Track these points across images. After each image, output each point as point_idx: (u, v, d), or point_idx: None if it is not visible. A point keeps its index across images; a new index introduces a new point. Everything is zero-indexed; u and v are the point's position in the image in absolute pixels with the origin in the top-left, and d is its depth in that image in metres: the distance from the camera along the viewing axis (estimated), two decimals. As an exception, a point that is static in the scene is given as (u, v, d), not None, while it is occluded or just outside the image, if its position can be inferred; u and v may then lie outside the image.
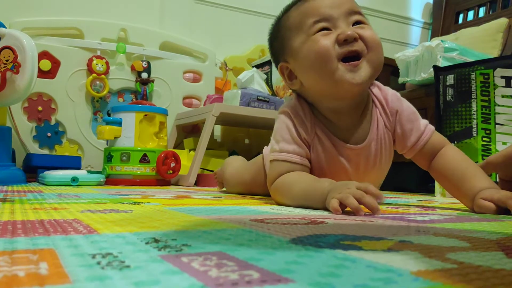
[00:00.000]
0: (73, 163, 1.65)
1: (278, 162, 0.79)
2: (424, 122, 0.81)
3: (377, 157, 0.81)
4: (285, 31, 0.80)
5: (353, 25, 0.74)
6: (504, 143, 1.22)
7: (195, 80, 2.17)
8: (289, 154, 0.78)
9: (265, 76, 2.07)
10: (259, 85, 1.92)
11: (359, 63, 0.72)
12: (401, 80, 1.75)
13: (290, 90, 2.05)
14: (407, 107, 0.81)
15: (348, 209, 0.62)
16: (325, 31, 0.74)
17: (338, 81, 0.72)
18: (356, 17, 0.75)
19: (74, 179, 1.34)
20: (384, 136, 0.81)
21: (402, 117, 0.80)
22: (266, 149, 1.03)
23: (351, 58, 0.72)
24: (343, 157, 0.79)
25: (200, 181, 1.71)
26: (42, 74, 1.80)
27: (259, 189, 1.05)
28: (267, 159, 0.93)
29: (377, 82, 0.84)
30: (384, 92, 0.82)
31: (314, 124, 0.80)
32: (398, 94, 0.83)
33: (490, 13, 2.27)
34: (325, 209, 0.67)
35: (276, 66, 0.86)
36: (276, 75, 2.13)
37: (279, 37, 0.82)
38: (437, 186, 1.34)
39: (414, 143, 0.80)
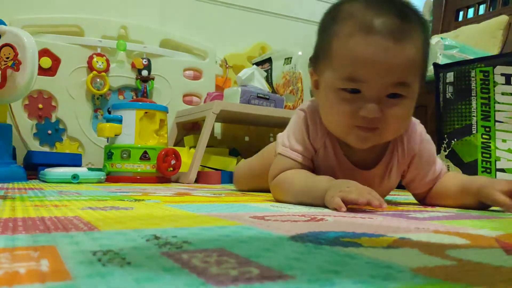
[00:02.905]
0: (74, 160, 1.65)
1: (284, 157, 0.79)
2: (439, 165, 0.80)
3: (381, 183, 0.80)
4: (327, 45, 0.70)
5: (388, 95, 0.66)
6: (503, 141, 1.22)
7: (195, 77, 2.17)
8: (296, 154, 0.78)
9: (265, 74, 2.07)
10: (259, 83, 1.92)
11: (372, 136, 0.69)
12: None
13: (290, 87, 2.05)
14: (427, 150, 0.79)
15: (349, 206, 0.62)
16: (353, 94, 0.66)
17: (346, 139, 0.72)
18: (396, 90, 0.66)
19: (75, 177, 1.34)
20: (394, 168, 0.79)
21: (419, 160, 0.79)
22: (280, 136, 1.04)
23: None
24: (345, 175, 0.77)
25: (200, 178, 1.71)
26: (42, 71, 1.80)
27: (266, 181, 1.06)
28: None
29: None
30: (408, 131, 0.78)
31: (326, 134, 0.77)
32: (422, 133, 0.79)
33: (490, 10, 2.27)
34: (324, 206, 0.67)
35: (316, 49, 0.77)
36: (276, 72, 2.13)
37: (322, 42, 0.73)
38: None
39: (427, 184, 0.80)
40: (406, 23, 0.65)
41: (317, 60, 0.74)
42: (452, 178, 0.80)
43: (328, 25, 0.71)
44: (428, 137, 0.81)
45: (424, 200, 0.83)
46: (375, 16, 0.64)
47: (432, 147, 0.81)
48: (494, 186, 0.68)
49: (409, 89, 0.67)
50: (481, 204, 0.70)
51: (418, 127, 0.80)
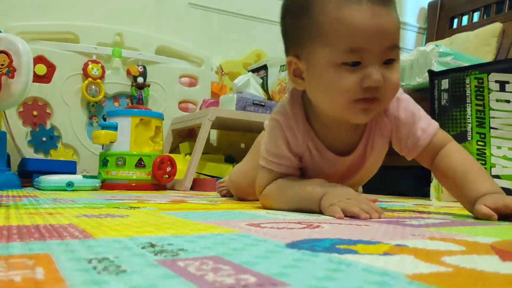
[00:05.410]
0: (69, 167, 1.64)
1: (267, 170, 0.79)
2: (423, 124, 0.75)
3: (364, 162, 0.80)
4: (312, 25, 0.67)
5: (384, 62, 0.65)
6: (498, 147, 1.22)
7: (191, 84, 2.17)
8: (279, 165, 0.78)
9: (261, 81, 2.07)
10: (255, 90, 1.93)
11: (373, 106, 0.67)
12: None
13: (286, 94, 2.06)
14: (405, 110, 0.76)
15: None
16: (353, 67, 0.64)
17: (346, 116, 0.69)
18: (392, 55, 0.66)
19: (70, 184, 1.34)
20: (375, 144, 0.78)
21: (399, 122, 0.76)
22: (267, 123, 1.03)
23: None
24: (330, 165, 0.79)
25: (196, 185, 1.71)
26: (37, 78, 1.79)
27: None
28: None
29: None
30: None
31: (306, 136, 0.77)
32: (398, 94, 0.74)
33: (484, 18, 2.29)
34: (318, 210, 0.68)
35: (283, 29, 0.76)
36: (271, 79, 2.14)
37: (302, 25, 0.69)
38: (432, 190, 1.35)
39: (411, 147, 0.76)
40: None
41: (298, 45, 0.71)
42: (459, 161, 0.73)
43: (303, 7, 0.69)
44: (405, 96, 0.78)
45: (431, 169, 0.78)
46: None
47: (411, 104, 0.77)
48: (485, 202, 0.64)
49: (398, 52, 0.67)
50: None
51: None
